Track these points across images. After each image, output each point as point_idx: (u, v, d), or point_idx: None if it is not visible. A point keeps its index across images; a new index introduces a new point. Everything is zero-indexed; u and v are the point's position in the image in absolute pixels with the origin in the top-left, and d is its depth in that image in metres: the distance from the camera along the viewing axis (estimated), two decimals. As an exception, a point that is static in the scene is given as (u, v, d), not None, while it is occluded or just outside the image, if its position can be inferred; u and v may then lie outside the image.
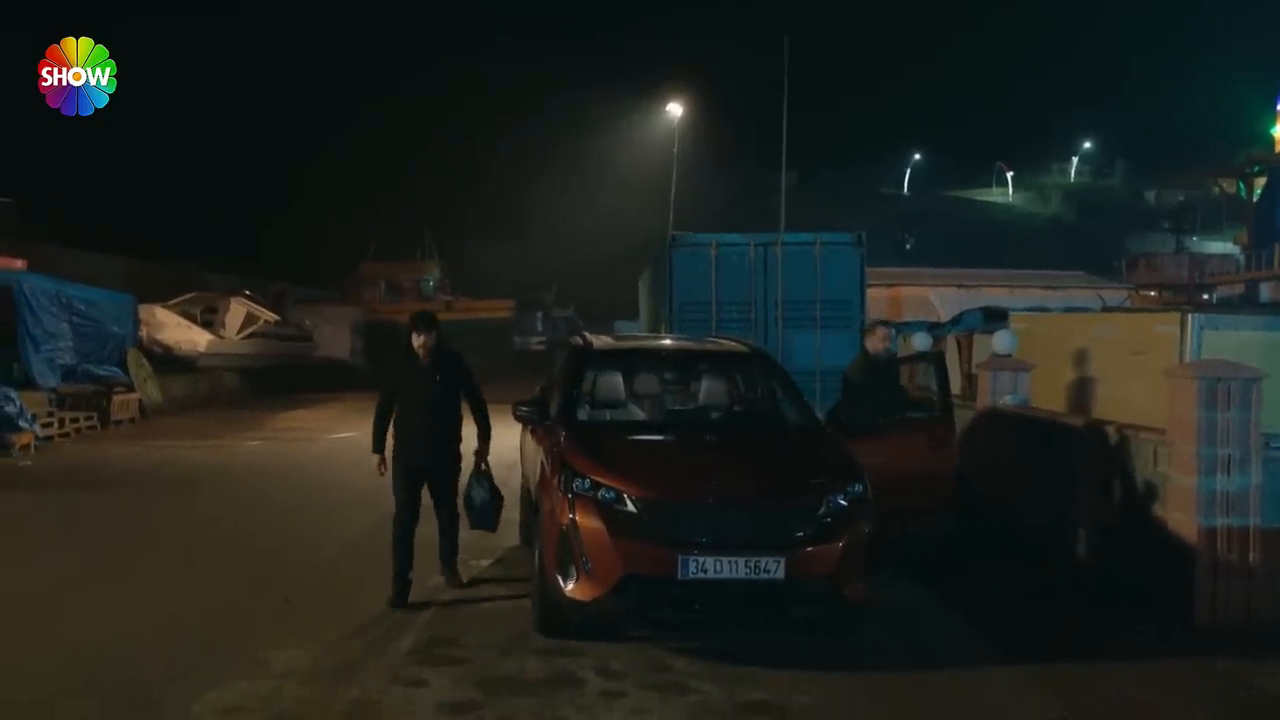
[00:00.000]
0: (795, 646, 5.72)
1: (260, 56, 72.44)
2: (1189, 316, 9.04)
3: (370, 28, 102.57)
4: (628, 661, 5.45)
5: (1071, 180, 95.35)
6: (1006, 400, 9.40)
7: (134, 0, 56.92)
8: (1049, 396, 9.75)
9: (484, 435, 6.86)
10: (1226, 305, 32.58)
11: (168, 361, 22.21)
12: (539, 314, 50.86)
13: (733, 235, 12.94)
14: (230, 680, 5.10)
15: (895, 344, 8.48)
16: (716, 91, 60.88)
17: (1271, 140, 49.28)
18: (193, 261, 33.46)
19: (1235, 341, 8.50)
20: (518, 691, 5.06)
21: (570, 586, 5.47)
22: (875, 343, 8.05)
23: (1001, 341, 10.09)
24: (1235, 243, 53.12)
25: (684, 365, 7.64)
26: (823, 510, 5.55)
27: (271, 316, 27.97)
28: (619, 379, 7.16)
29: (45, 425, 14.58)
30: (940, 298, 21.75)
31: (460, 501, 6.86)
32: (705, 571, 5.30)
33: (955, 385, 12.09)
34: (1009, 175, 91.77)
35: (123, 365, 18.22)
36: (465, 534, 7.07)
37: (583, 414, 6.75)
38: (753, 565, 5.32)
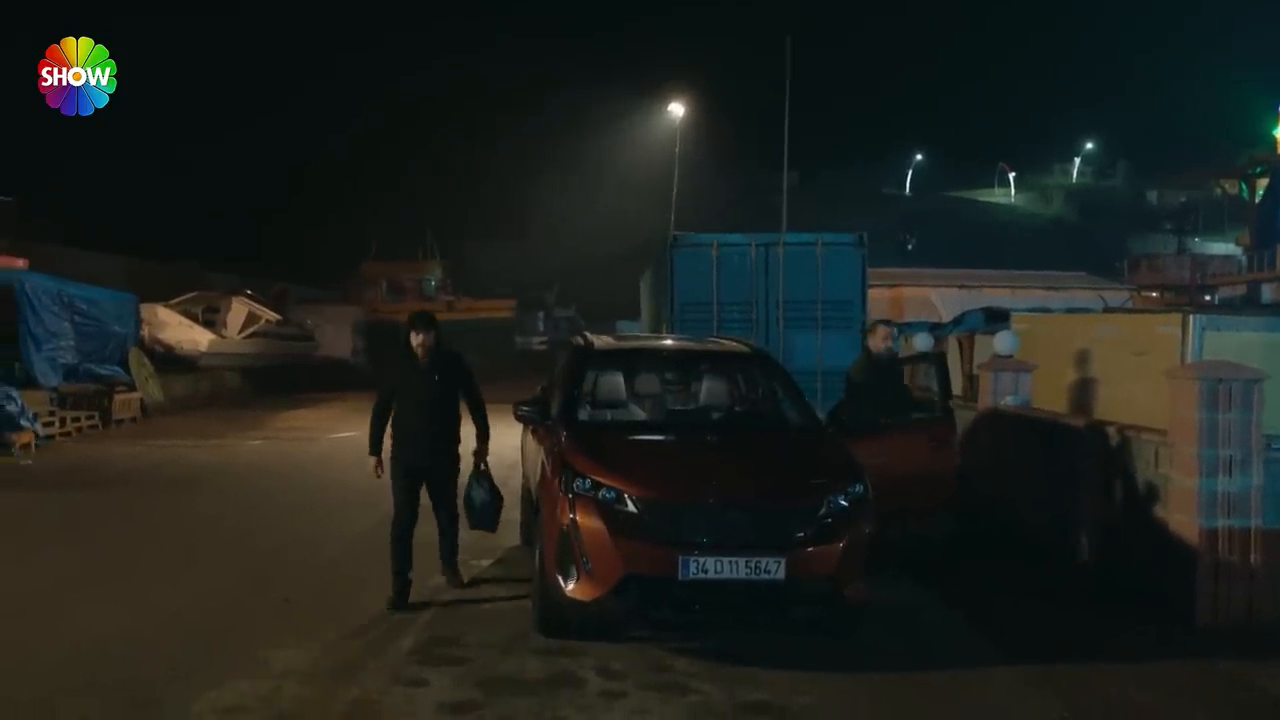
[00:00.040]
0: (796, 647, 5.72)
1: (260, 56, 72.60)
2: (1190, 317, 9.03)
3: (370, 27, 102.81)
4: (628, 662, 5.45)
5: (1073, 181, 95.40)
6: (1008, 401, 9.39)
7: (134, 0, 56.93)
8: (1050, 397, 9.75)
9: (483, 435, 6.86)
10: (1228, 306, 32.53)
11: (169, 361, 22.22)
12: (540, 314, 50.88)
13: (734, 235, 12.93)
14: (230, 680, 5.11)
15: (897, 344, 8.47)
16: (717, 91, 60.88)
17: (1273, 141, 49.26)
18: (194, 261, 33.49)
19: (1237, 343, 8.49)
20: (518, 691, 5.06)
21: (571, 586, 5.46)
22: (877, 342, 8.05)
23: (1003, 342, 10.09)
24: (1237, 244, 53.09)
25: (685, 365, 7.64)
26: (823, 511, 5.55)
27: (273, 316, 27.99)
28: (620, 379, 7.16)
29: (47, 424, 14.59)
30: (942, 298, 21.73)
31: (460, 502, 6.86)
32: (706, 572, 5.30)
33: (957, 386, 12.10)
34: (1011, 176, 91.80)
35: (124, 364, 18.22)
36: (466, 534, 7.07)
37: (583, 414, 6.75)
38: (753, 565, 5.32)
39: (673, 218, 27.85)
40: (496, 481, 7.01)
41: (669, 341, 9.10)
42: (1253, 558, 6.22)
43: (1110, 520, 7.26)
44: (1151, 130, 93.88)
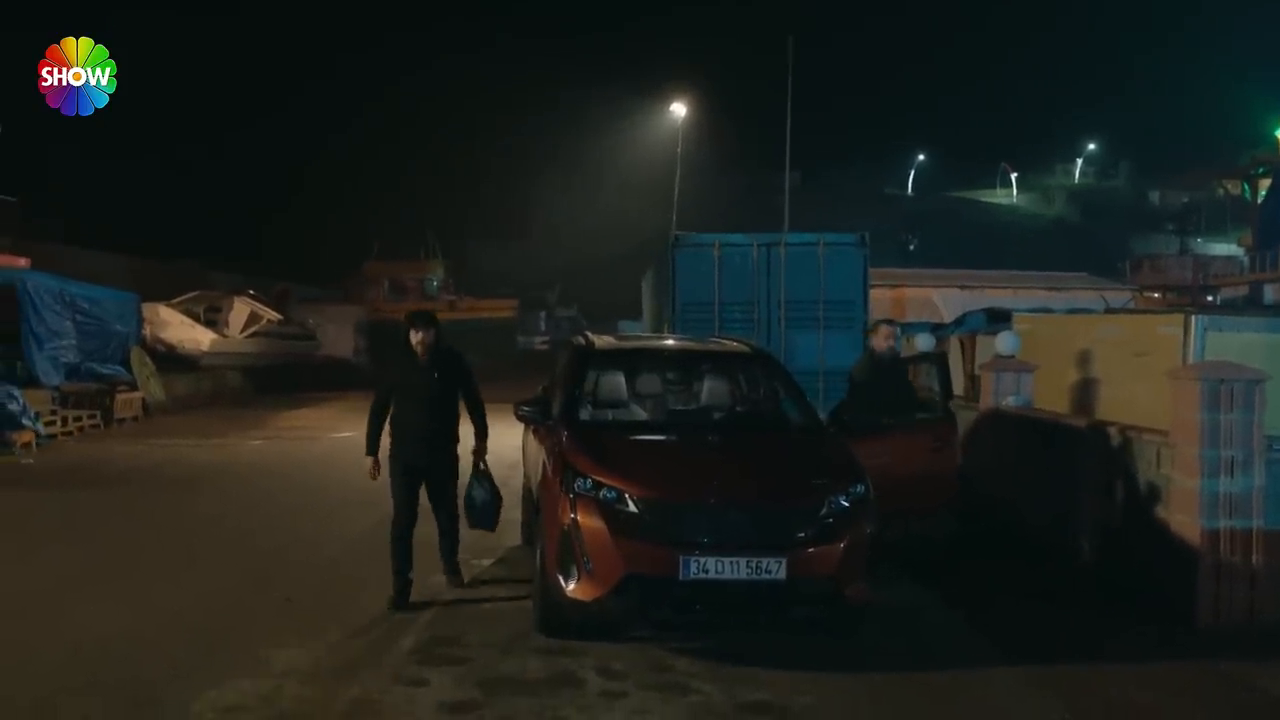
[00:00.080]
0: (796, 647, 5.72)
1: (260, 56, 72.54)
2: (1192, 318, 9.02)
3: (370, 27, 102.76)
4: (629, 661, 5.45)
5: (1076, 181, 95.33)
6: (1009, 401, 9.39)
7: (134, 0, 56.91)
8: (1052, 398, 9.74)
9: (481, 434, 6.85)
10: (1230, 307, 32.51)
11: (171, 360, 22.23)
12: (542, 314, 50.91)
13: (736, 235, 12.94)
14: (231, 679, 5.11)
15: (899, 344, 8.47)
16: (719, 91, 60.83)
17: (1275, 141, 49.16)
18: (196, 260, 33.52)
19: (1239, 343, 8.49)
20: (518, 691, 5.06)
21: (572, 586, 5.46)
22: (879, 341, 8.05)
23: (1005, 342, 10.09)
24: (1239, 244, 53.02)
25: (686, 365, 7.63)
26: (824, 511, 5.55)
27: (275, 315, 28.01)
28: (621, 379, 7.16)
29: (48, 423, 14.60)
30: (944, 298, 21.72)
31: (461, 502, 6.86)
32: (706, 572, 5.30)
33: (959, 386, 12.10)
34: (1013, 176, 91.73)
35: (126, 364, 18.24)
36: (467, 534, 7.07)
37: (585, 414, 6.74)
38: (754, 566, 5.32)
39: (674, 217, 27.86)
40: (497, 481, 7.01)
41: (670, 341, 9.10)
42: (1254, 558, 6.22)
43: (1111, 521, 7.25)
44: (1154, 130, 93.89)
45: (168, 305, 24.30)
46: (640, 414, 7.07)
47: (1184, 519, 6.33)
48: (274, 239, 46.30)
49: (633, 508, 5.43)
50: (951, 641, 6.13)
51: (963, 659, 5.77)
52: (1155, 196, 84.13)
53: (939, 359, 8.60)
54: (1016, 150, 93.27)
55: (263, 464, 13.09)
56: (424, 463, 6.63)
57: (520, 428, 7.75)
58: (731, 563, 5.31)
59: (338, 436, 15.55)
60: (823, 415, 6.85)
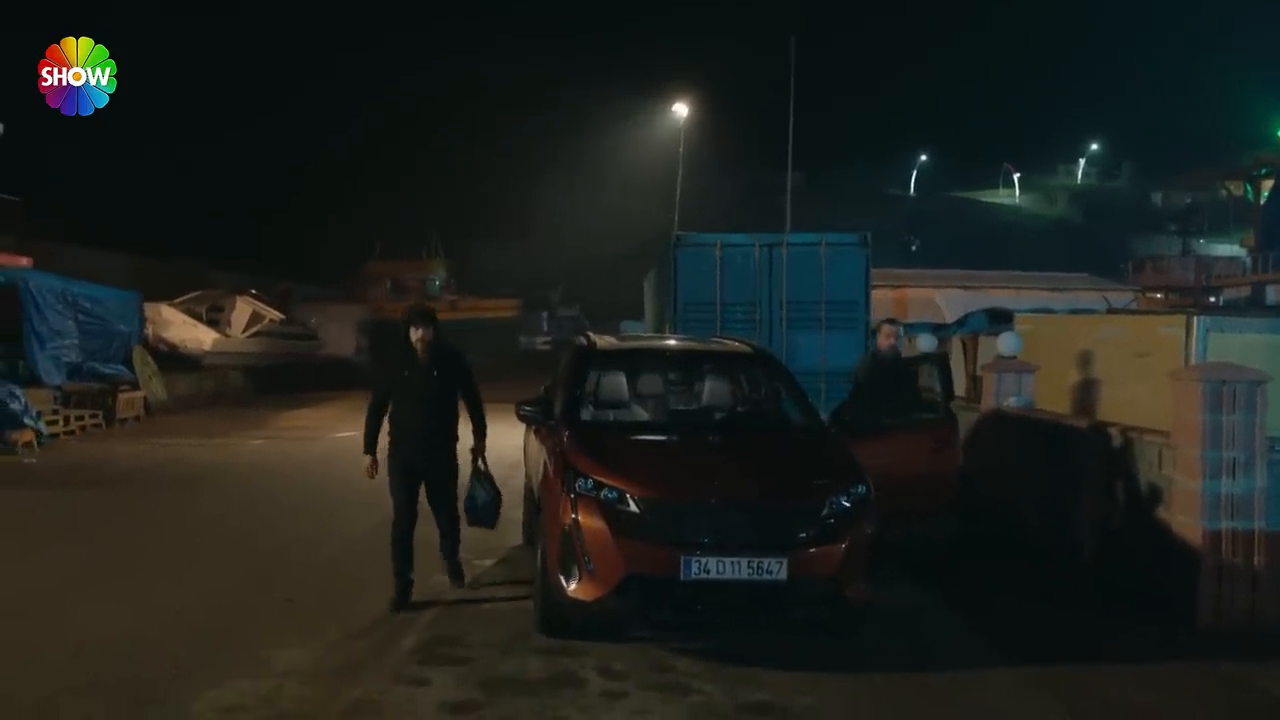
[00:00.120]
0: (797, 647, 5.72)
1: (260, 56, 72.66)
2: (1194, 319, 9.02)
3: (371, 27, 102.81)
4: (630, 662, 5.46)
5: (1078, 182, 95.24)
6: (1011, 402, 9.39)
7: (134, 0, 56.95)
8: (1053, 398, 9.74)
9: (480, 433, 6.83)
10: (1233, 308, 32.48)
11: (173, 360, 22.26)
12: (544, 314, 50.91)
13: (738, 235, 12.93)
14: (232, 679, 5.11)
15: (901, 344, 8.48)
16: (721, 92, 60.87)
17: (1278, 142, 49.16)
18: (199, 260, 33.54)
19: (1241, 344, 8.49)
20: (519, 691, 5.07)
21: (573, 586, 5.47)
22: (881, 341, 8.07)
23: (1006, 343, 10.09)
24: (1242, 245, 52.98)
25: (688, 365, 7.63)
26: (825, 511, 5.54)
27: (277, 315, 28.04)
28: (622, 379, 7.16)
29: (50, 423, 14.61)
30: (945, 299, 21.72)
31: (461, 503, 6.84)
32: (708, 572, 5.30)
33: (961, 387, 12.11)
34: (1016, 176, 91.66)
35: (128, 363, 18.26)
36: (470, 534, 7.07)
37: (586, 414, 6.74)
38: (755, 566, 5.31)
39: (676, 218, 27.84)
40: (499, 481, 7.01)
41: (672, 341, 9.10)
42: (1256, 560, 6.21)
43: (1112, 522, 7.25)
44: (1156, 131, 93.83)
45: (170, 305, 24.35)
46: (642, 414, 7.07)
47: (1185, 520, 6.32)
48: (274, 239, 46.39)
49: (634, 508, 5.43)
50: (951, 642, 6.13)
51: (963, 660, 5.77)
52: (1158, 197, 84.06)
53: (940, 359, 8.60)
54: (1019, 150, 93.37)
55: (264, 464, 13.10)
56: (423, 461, 6.60)
57: (522, 428, 7.74)
58: (732, 563, 5.31)
59: (339, 436, 15.55)
60: (824, 415, 6.85)
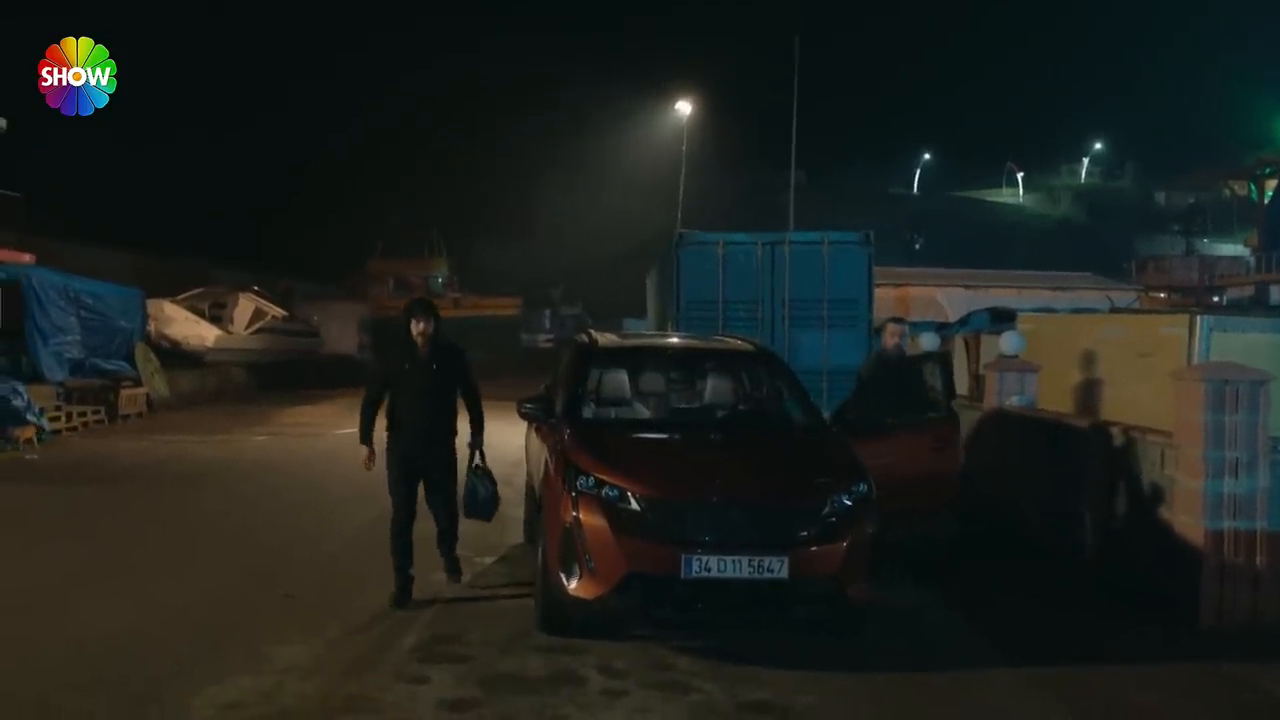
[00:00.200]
0: (798, 646, 5.72)
1: (261, 56, 72.63)
2: (1197, 319, 9.00)
3: (372, 26, 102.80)
4: (630, 660, 5.45)
5: (1081, 181, 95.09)
6: (1013, 401, 9.38)
7: (134, 0, 56.85)
8: (1056, 398, 9.73)
9: (478, 428, 6.80)
10: (1236, 308, 32.43)
11: (175, 356, 22.27)
12: (546, 312, 50.97)
13: (740, 234, 12.94)
14: (233, 676, 5.11)
15: (905, 342, 8.48)
16: (723, 91, 60.96)
17: (1282, 142, 49.12)
18: (201, 257, 33.55)
19: (1244, 344, 8.47)
20: (519, 689, 5.06)
21: (573, 584, 5.46)
22: (886, 340, 8.07)
23: (1008, 342, 10.08)
24: (1245, 245, 52.91)
25: (689, 363, 7.62)
26: (827, 510, 5.54)
27: (279, 312, 28.07)
28: (624, 377, 7.15)
29: (53, 419, 14.62)
30: (948, 298, 21.72)
31: (460, 498, 6.82)
32: (709, 570, 5.29)
33: (963, 386, 12.10)
34: (1019, 176, 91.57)
35: (130, 359, 18.27)
36: (472, 532, 7.07)
37: (587, 412, 6.73)
38: (756, 565, 5.31)
39: (679, 216, 27.85)
40: (499, 479, 6.98)
41: (674, 339, 9.09)
42: (1258, 560, 6.20)
43: (1114, 522, 7.24)
44: (1160, 131, 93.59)
45: (173, 301, 24.38)
46: (643, 412, 7.06)
47: (1187, 520, 6.31)
48: (274, 238, 46.36)
49: (635, 506, 5.42)
50: (953, 642, 6.12)
51: (964, 659, 5.76)
52: (1161, 197, 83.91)
53: (941, 358, 8.59)
54: (1022, 150, 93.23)
55: (266, 460, 13.10)
56: (422, 456, 6.56)
57: (523, 425, 7.73)
58: (733, 561, 5.30)
59: (341, 433, 15.53)
60: (826, 414, 6.84)
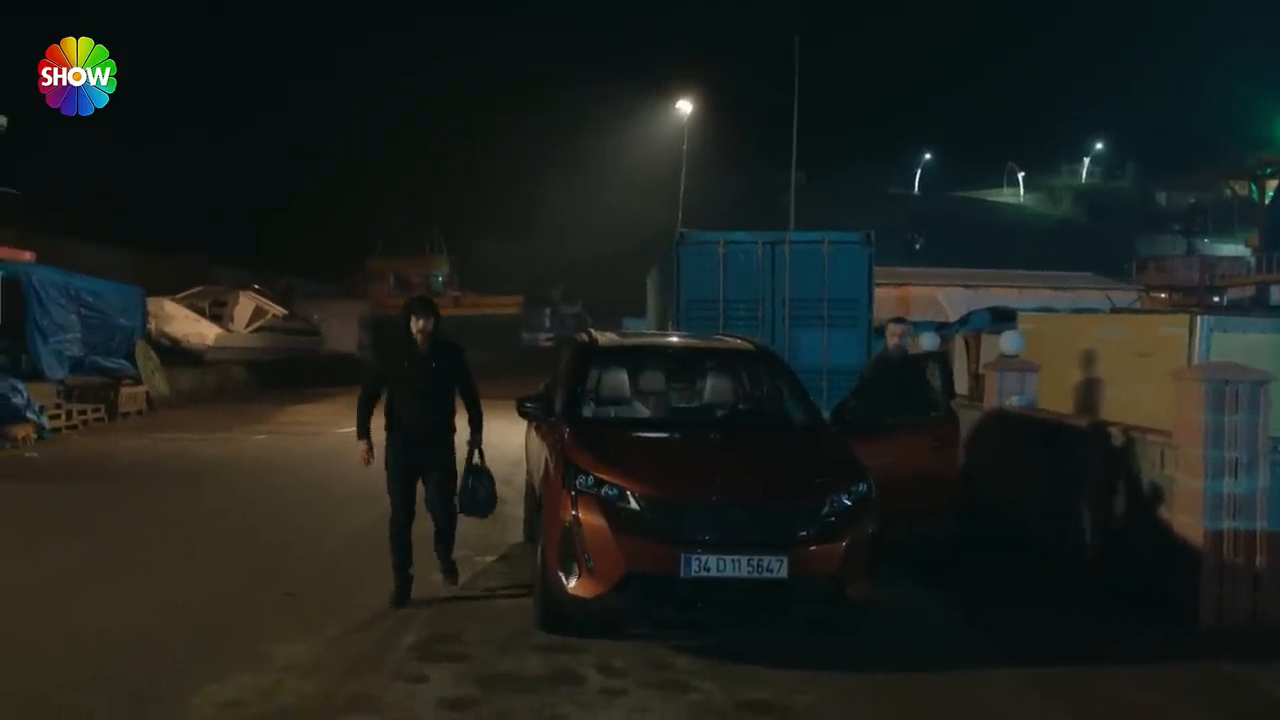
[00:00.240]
0: (797, 646, 5.72)
1: (261, 55, 72.55)
2: (1198, 319, 9.00)
3: (372, 26, 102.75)
4: (629, 659, 5.45)
5: (1082, 181, 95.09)
6: (1013, 401, 9.37)
7: (134, 0, 56.78)
8: (1056, 397, 9.72)
9: (478, 426, 6.78)
10: (1236, 308, 32.43)
11: (176, 354, 22.27)
12: (547, 310, 51.01)
13: (741, 233, 12.94)
14: (232, 674, 5.11)
15: (907, 342, 8.48)
16: (724, 90, 60.98)
17: (1282, 142, 49.11)
18: (202, 254, 33.55)
19: (1244, 344, 8.47)
20: (518, 688, 5.06)
21: (573, 583, 5.46)
22: (887, 339, 8.07)
23: (1009, 342, 10.07)
24: (1246, 245, 52.96)
25: (689, 363, 7.61)
26: (826, 510, 5.54)
27: (280, 310, 28.06)
28: (624, 376, 7.15)
29: (53, 417, 14.63)
30: (948, 298, 21.73)
31: (459, 497, 6.80)
32: (708, 570, 5.29)
33: (963, 385, 12.09)
34: (1020, 176, 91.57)
35: (130, 357, 18.27)
36: (471, 531, 7.07)
37: (587, 411, 6.73)
38: (756, 564, 5.31)
39: (680, 215, 27.85)
40: (499, 479, 6.99)
41: (674, 339, 9.09)
42: (1258, 560, 6.20)
43: (1114, 521, 7.24)
44: (1161, 131, 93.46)
45: (173, 299, 24.37)
46: (643, 411, 7.06)
47: (1187, 520, 6.31)
48: (274, 237, 46.35)
49: (634, 505, 5.42)
50: (952, 642, 6.12)
51: (964, 659, 5.76)
52: (1162, 197, 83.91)
53: (940, 358, 8.59)
54: (1023, 150, 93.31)
55: (266, 459, 13.11)
56: (421, 455, 6.54)
57: (523, 424, 7.73)
58: (733, 561, 5.30)
59: (341, 432, 15.50)
60: (826, 414, 6.84)
